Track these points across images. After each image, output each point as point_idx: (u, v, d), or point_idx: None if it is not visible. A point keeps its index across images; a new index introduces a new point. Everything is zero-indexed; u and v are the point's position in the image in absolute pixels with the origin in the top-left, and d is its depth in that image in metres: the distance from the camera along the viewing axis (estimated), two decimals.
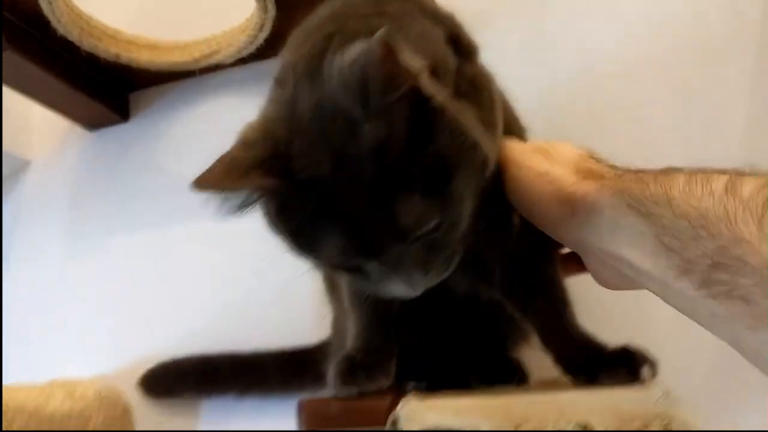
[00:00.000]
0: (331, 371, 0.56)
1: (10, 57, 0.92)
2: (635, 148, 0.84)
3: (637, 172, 0.45)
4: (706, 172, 0.40)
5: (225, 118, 1.09)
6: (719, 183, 0.38)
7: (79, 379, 0.95)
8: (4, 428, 0.77)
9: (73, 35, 0.94)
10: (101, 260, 1.09)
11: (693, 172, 0.41)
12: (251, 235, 0.99)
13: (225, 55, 1.02)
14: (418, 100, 0.41)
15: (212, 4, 1.10)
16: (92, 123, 1.14)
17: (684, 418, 0.44)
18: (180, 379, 0.94)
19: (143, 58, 1.02)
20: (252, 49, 1.00)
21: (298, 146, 0.43)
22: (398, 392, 0.54)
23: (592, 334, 0.60)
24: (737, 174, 0.39)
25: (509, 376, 0.69)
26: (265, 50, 1.00)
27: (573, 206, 0.47)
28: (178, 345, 1.01)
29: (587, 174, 0.49)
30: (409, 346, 0.61)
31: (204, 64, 1.03)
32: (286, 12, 0.93)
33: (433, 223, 0.43)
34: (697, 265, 0.37)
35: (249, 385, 0.90)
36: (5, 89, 1.02)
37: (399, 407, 0.52)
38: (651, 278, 0.42)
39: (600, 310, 0.64)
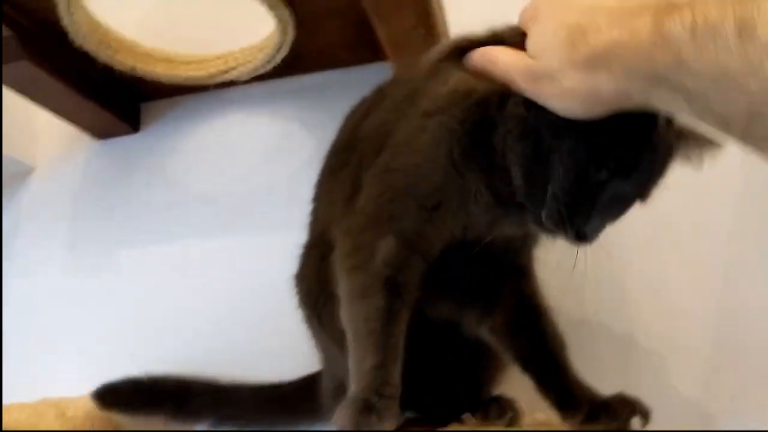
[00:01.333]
0: (341, 411, 0.54)
1: (26, 66, 0.91)
2: None
3: (637, 43, 0.41)
4: (707, 17, 0.37)
5: (236, 134, 1.10)
6: (728, 28, 0.35)
7: (70, 397, 0.93)
8: None
9: (91, 46, 0.93)
10: (99, 275, 1.07)
11: (693, 20, 0.37)
12: (256, 254, 1.01)
13: (241, 72, 1.01)
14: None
15: (230, 20, 1.09)
16: (102, 132, 1.13)
17: None
18: (151, 398, 0.90)
19: (159, 70, 1.01)
20: (269, 67, 1.00)
21: None
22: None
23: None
24: (739, 4, 0.36)
25: (502, 413, 0.69)
26: (281, 69, 1.00)
27: (596, 104, 0.45)
28: (175, 363, 1.00)
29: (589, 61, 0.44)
30: (410, 383, 0.61)
31: (219, 80, 1.02)
32: (304, 33, 0.94)
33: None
34: (734, 119, 0.37)
35: (225, 417, 0.88)
36: (7, 93, 1.00)
37: None
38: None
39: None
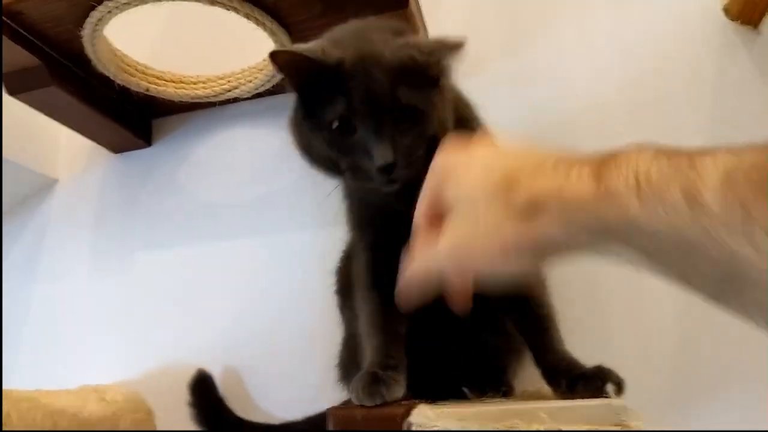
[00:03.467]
0: (355, 384, 0.66)
1: (53, 91, 1.01)
2: None
3: (579, 193, 0.38)
4: (650, 180, 0.35)
5: (240, 147, 1.22)
6: (675, 195, 0.33)
7: (107, 384, 1.04)
8: (50, 429, 0.86)
9: (110, 71, 1.04)
10: (123, 276, 1.18)
11: (635, 180, 0.35)
12: (261, 255, 1.12)
13: (243, 90, 1.13)
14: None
15: (233, 42, 1.19)
16: (118, 147, 1.24)
17: (636, 426, 0.56)
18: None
19: (169, 91, 1.11)
20: (269, 86, 1.11)
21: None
22: (411, 402, 0.65)
23: (572, 355, 0.72)
24: (678, 172, 0.34)
25: (497, 387, 0.80)
26: (280, 87, 1.10)
27: (530, 251, 0.42)
28: (191, 355, 1.10)
29: (529, 206, 0.41)
30: (415, 362, 0.73)
31: (223, 98, 1.14)
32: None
33: (418, 107, 0.62)
34: (704, 281, 0.34)
35: None
36: (31, 112, 1.10)
37: (413, 413, 0.63)
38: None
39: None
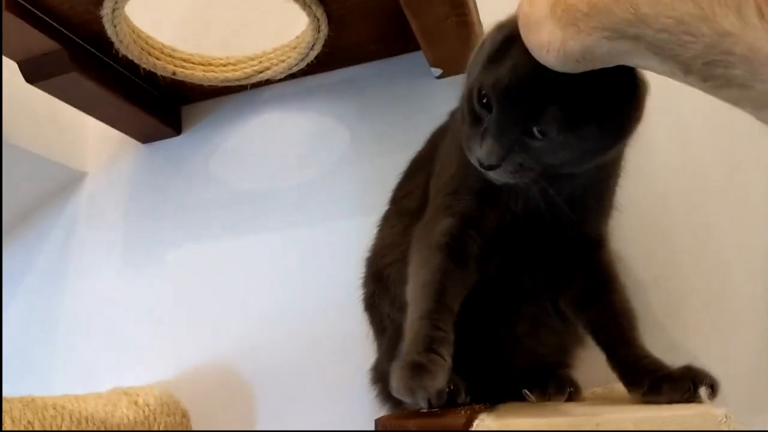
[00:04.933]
0: (395, 375, 0.57)
1: (74, 78, 0.95)
2: None
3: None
4: None
5: (273, 132, 1.14)
6: None
7: (139, 386, 0.99)
8: None
9: (134, 54, 0.97)
10: (156, 271, 1.13)
11: None
12: (297, 246, 1.04)
13: (275, 71, 1.05)
14: None
15: (263, 20, 1.12)
16: (147, 136, 1.18)
17: None
18: None
19: (197, 74, 1.05)
20: (302, 65, 1.03)
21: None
22: (472, 410, 0.57)
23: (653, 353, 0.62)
24: None
25: (562, 388, 0.71)
26: (314, 66, 1.03)
27: (566, 60, 0.50)
28: (228, 353, 1.05)
29: (563, 16, 0.49)
30: (471, 361, 0.64)
31: (255, 80, 1.06)
32: (337, 29, 0.97)
33: (553, 133, 0.54)
34: (693, 65, 0.40)
35: None
36: (58, 102, 1.05)
37: (475, 425, 0.54)
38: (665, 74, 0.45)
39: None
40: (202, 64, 1.06)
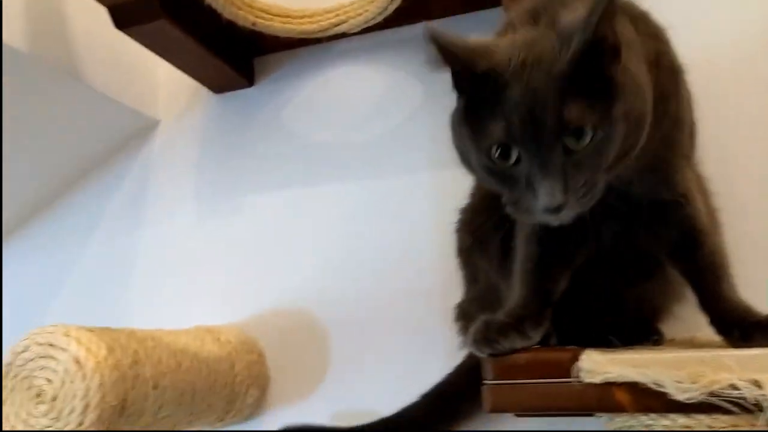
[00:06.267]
0: (472, 328, 0.63)
1: (163, 26, 0.98)
2: None
3: None
4: None
5: (346, 85, 1.16)
6: None
7: (221, 325, 1.03)
8: (174, 367, 0.86)
9: (218, 3, 0.99)
10: (230, 219, 1.17)
11: None
12: (370, 199, 1.07)
13: (352, 24, 1.05)
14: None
15: None
16: (220, 86, 1.20)
17: None
18: None
19: (276, 26, 1.06)
20: (379, 19, 1.04)
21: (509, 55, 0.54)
22: (574, 350, 0.60)
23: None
24: None
25: (647, 336, 0.74)
26: (391, 20, 1.04)
27: None
28: (300, 297, 1.10)
29: None
30: (561, 308, 0.68)
31: (331, 32, 1.07)
32: None
33: (589, 130, 0.52)
34: None
35: None
36: (133, 51, 1.07)
37: (581, 360, 0.58)
38: None
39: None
40: (280, 16, 1.08)
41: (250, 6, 1.05)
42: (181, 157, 1.21)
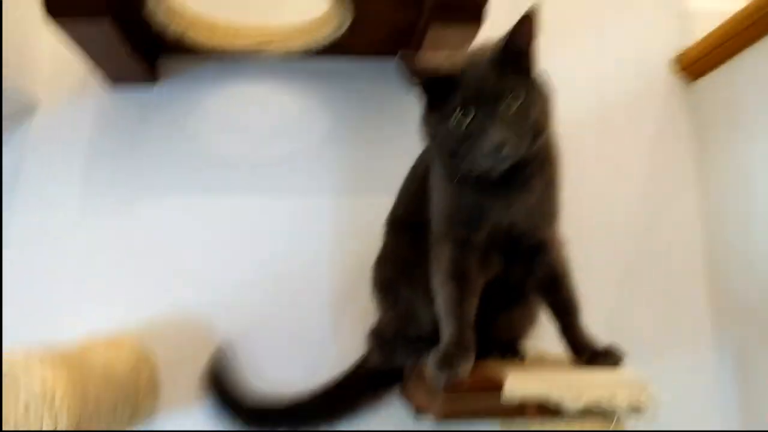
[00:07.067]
0: (432, 359, 0.80)
1: None
2: None
3: None
4: None
5: (256, 103, 1.27)
6: None
7: (121, 336, 1.03)
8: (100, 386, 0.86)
9: (159, 9, 0.98)
10: (118, 220, 1.13)
11: None
12: (262, 214, 1.17)
13: (275, 50, 1.12)
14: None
15: None
16: (120, 78, 1.14)
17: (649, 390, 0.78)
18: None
19: (202, 37, 1.07)
20: (303, 49, 1.12)
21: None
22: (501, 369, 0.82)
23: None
24: None
25: (514, 353, 0.99)
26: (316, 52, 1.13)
27: None
28: (189, 304, 1.13)
29: None
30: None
31: (254, 52, 1.12)
32: (361, 21, 1.06)
33: (521, 93, 0.76)
34: None
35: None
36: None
37: (508, 380, 0.79)
38: None
39: None
40: (208, 28, 1.09)
41: (182, 17, 1.05)
42: (64, 148, 1.13)
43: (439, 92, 0.78)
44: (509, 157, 0.76)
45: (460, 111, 0.76)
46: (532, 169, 0.83)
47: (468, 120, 0.76)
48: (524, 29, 0.77)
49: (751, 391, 1.14)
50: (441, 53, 0.82)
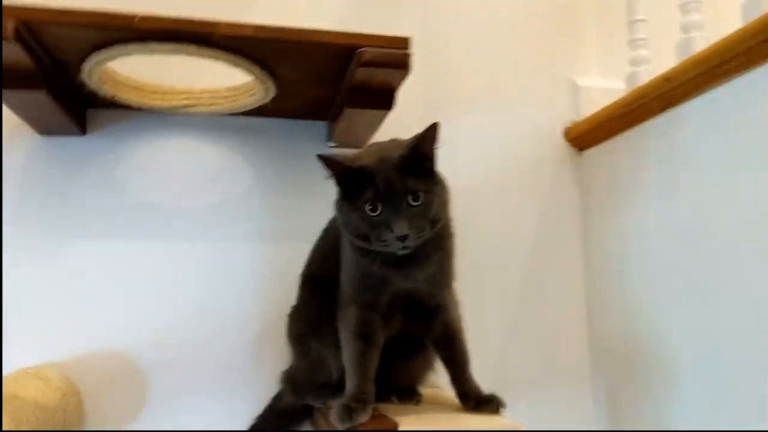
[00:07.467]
0: (335, 409, 0.93)
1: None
2: None
3: None
4: None
5: (182, 155, 1.41)
6: None
7: (49, 370, 1.10)
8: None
9: (91, 79, 1.05)
10: (46, 263, 1.20)
11: None
12: (187, 260, 1.27)
13: (200, 111, 1.21)
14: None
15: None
16: (49, 130, 1.20)
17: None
18: None
19: (132, 99, 1.15)
20: (228, 112, 1.22)
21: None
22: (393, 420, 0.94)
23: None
24: None
25: (411, 396, 1.12)
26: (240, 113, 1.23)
27: None
28: (114, 341, 1.22)
29: None
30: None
31: (180, 112, 1.21)
32: (283, 95, 1.17)
33: (420, 193, 0.88)
34: None
35: None
36: None
37: (400, 427, 0.91)
38: None
39: None
40: (137, 89, 1.17)
41: (113, 80, 1.12)
42: None
43: (352, 184, 0.89)
44: (411, 246, 0.88)
45: (370, 205, 0.87)
46: (432, 246, 0.94)
47: (377, 214, 0.87)
48: (428, 137, 0.89)
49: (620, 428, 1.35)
50: (353, 151, 0.95)
